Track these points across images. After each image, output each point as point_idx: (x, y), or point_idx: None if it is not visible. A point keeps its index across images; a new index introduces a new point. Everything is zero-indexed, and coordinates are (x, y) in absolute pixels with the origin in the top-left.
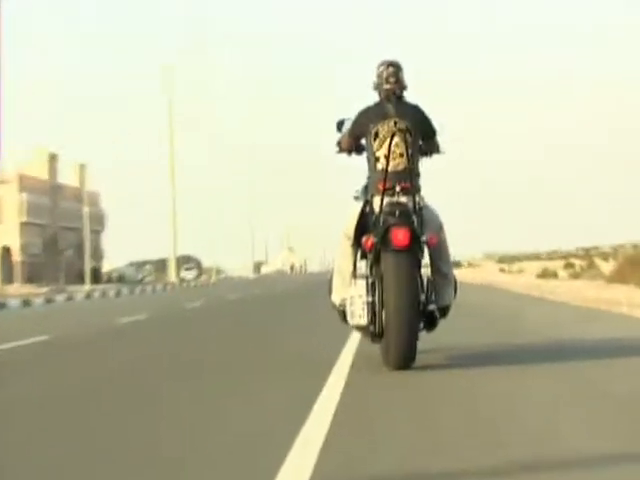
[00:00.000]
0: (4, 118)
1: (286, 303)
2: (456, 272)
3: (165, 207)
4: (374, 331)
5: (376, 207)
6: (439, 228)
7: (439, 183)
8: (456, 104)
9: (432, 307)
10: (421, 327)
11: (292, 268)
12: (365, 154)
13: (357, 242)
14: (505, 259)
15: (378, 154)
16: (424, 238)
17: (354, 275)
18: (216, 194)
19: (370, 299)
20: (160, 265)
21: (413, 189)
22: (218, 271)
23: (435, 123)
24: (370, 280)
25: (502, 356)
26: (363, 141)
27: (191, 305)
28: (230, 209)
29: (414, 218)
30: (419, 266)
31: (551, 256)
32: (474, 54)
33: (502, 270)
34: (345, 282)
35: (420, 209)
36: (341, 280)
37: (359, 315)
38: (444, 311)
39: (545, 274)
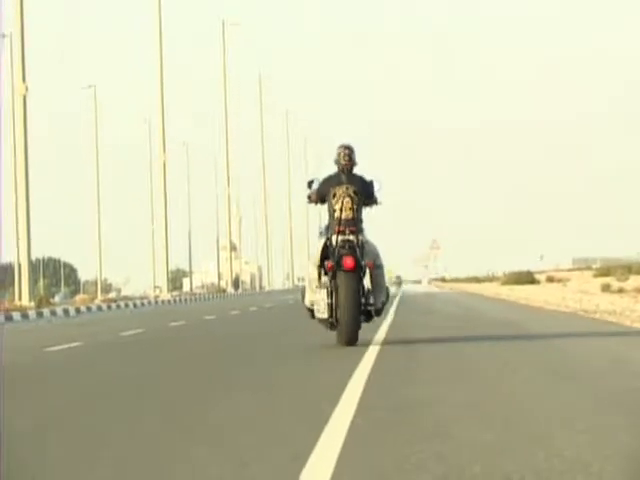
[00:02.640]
0: None
1: None
2: (519, 294)
3: None
4: (332, 322)
5: (334, 243)
6: (376, 256)
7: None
8: None
9: (370, 308)
10: (363, 320)
11: (237, 283)
12: (327, 206)
13: (321, 264)
14: (609, 269)
15: (335, 207)
16: (364, 263)
17: (319, 286)
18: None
19: (329, 301)
20: None
21: (357, 231)
22: (106, 288)
23: (375, 183)
24: (329, 289)
25: None
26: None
27: None
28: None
29: (358, 250)
30: (361, 280)
31: None
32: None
33: (607, 288)
34: (313, 291)
35: (362, 244)
36: (310, 290)
37: (322, 312)
38: (378, 311)
39: None
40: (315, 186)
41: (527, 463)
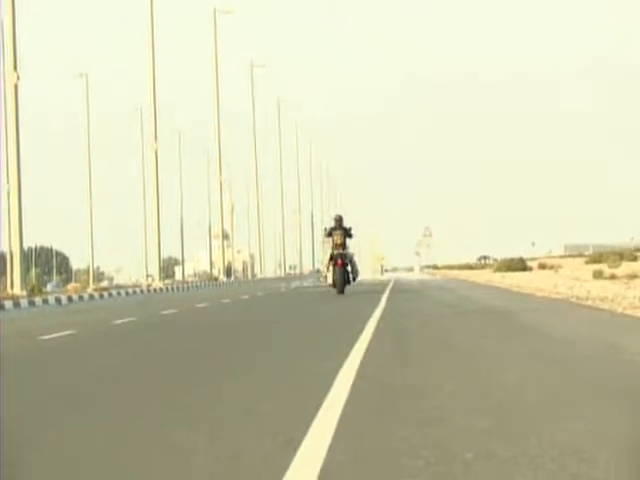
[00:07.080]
0: None
1: None
2: (511, 281)
3: None
4: (333, 285)
5: (334, 254)
6: (352, 259)
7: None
8: None
9: (350, 279)
10: (347, 283)
11: (230, 271)
12: (331, 238)
13: (329, 262)
14: (601, 256)
15: (334, 239)
16: (347, 262)
17: (328, 270)
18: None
19: (333, 277)
20: None
21: (344, 249)
22: (98, 277)
23: (353, 228)
24: (332, 272)
25: None
26: (332, 233)
27: None
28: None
29: (343, 257)
30: (345, 269)
31: None
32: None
33: (599, 275)
34: (326, 272)
35: (345, 255)
36: (326, 270)
37: (330, 280)
38: (354, 279)
39: None
40: (327, 231)
41: (520, 449)
